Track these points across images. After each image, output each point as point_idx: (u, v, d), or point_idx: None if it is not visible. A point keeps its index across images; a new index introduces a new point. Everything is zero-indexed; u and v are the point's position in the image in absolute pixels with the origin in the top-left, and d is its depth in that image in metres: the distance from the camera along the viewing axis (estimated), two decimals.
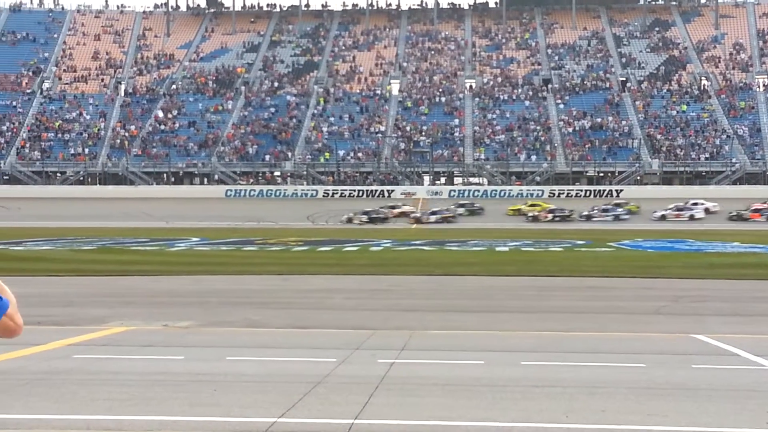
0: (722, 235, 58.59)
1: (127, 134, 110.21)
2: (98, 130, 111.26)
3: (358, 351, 14.75)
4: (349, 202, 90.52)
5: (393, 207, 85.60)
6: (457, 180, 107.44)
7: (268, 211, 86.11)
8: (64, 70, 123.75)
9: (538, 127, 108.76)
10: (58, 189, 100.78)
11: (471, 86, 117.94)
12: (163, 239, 54.58)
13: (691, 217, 79.81)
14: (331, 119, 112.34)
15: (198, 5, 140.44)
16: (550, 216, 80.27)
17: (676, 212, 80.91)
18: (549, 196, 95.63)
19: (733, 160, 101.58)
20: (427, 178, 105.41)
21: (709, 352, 15.03)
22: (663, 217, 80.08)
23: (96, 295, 25.10)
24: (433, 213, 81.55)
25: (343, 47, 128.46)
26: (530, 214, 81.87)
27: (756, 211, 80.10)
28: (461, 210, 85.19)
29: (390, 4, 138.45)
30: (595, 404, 10.69)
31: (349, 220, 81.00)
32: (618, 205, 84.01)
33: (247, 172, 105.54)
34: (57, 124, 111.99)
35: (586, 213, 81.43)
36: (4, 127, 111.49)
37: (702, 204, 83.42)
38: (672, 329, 18.09)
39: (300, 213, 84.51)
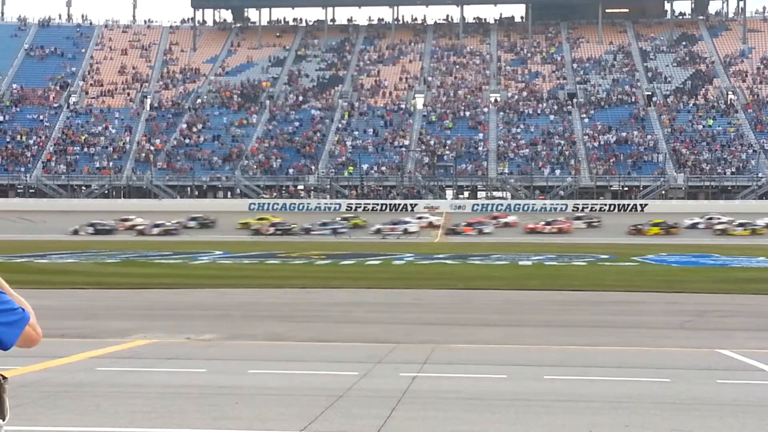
0: (749, 250, 58.23)
1: (152, 148, 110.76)
2: (123, 143, 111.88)
3: (380, 364, 14.73)
4: (370, 216, 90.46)
5: (124, 220, 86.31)
6: (481, 194, 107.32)
7: None
8: (91, 85, 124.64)
9: (563, 142, 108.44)
10: (82, 202, 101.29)
11: (495, 100, 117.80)
12: (186, 252, 54.82)
13: (405, 231, 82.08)
14: (356, 133, 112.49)
15: (224, 20, 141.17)
16: (272, 229, 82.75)
17: (391, 226, 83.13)
18: (573, 210, 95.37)
19: (759, 175, 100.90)
20: (450, 192, 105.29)
21: (734, 367, 14.91)
22: (378, 231, 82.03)
23: (119, 308, 25.20)
24: (156, 225, 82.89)
25: (368, 61, 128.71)
26: (253, 227, 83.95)
27: (469, 225, 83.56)
28: (192, 223, 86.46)
29: (415, 19, 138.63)
30: (619, 418, 10.62)
31: (75, 232, 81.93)
32: (345, 219, 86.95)
33: (270, 185, 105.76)
34: (83, 137, 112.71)
35: (306, 226, 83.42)
36: (31, 141, 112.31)
37: (427, 218, 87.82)
38: (697, 344, 17.96)
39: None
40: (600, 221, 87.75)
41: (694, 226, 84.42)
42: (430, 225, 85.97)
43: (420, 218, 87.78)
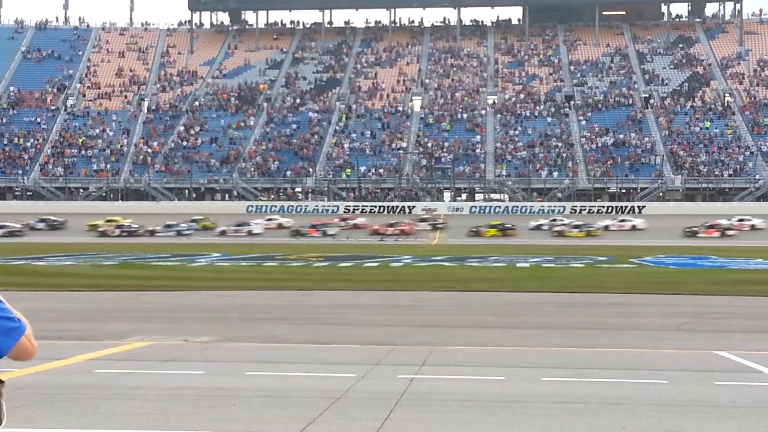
0: (746, 252, 58.26)
1: (149, 150, 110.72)
2: (121, 146, 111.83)
3: (378, 366, 14.72)
4: (372, 218, 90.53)
5: None
6: (479, 196, 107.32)
7: None
8: (88, 87, 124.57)
9: (560, 144, 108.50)
10: (80, 204, 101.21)
11: (493, 102, 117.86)
12: (184, 255, 54.78)
13: (249, 233, 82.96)
14: (353, 135, 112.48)
15: (222, 22, 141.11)
16: (117, 231, 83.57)
17: (235, 227, 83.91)
18: (570, 212, 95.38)
19: (757, 177, 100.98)
20: (448, 195, 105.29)
21: (732, 369, 14.91)
22: (223, 233, 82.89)
23: (117, 310, 25.18)
24: (1, 227, 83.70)
25: (366, 64, 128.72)
26: (101, 228, 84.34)
27: (313, 227, 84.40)
28: (41, 225, 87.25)
29: (413, 21, 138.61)
30: (616, 420, 10.62)
31: None
32: (194, 221, 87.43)
33: (268, 188, 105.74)
34: (80, 140, 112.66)
35: (150, 228, 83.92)
36: (29, 144, 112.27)
37: (276, 219, 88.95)
38: (694, 346, 17.97)
39: None
40: (446, 223, 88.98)
41: (538, 227, 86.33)
42: (280, 226, 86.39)
43: (269, 220, 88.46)
